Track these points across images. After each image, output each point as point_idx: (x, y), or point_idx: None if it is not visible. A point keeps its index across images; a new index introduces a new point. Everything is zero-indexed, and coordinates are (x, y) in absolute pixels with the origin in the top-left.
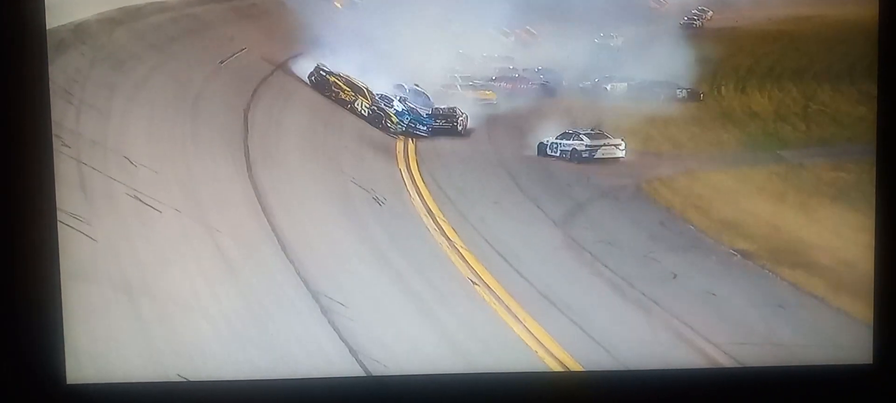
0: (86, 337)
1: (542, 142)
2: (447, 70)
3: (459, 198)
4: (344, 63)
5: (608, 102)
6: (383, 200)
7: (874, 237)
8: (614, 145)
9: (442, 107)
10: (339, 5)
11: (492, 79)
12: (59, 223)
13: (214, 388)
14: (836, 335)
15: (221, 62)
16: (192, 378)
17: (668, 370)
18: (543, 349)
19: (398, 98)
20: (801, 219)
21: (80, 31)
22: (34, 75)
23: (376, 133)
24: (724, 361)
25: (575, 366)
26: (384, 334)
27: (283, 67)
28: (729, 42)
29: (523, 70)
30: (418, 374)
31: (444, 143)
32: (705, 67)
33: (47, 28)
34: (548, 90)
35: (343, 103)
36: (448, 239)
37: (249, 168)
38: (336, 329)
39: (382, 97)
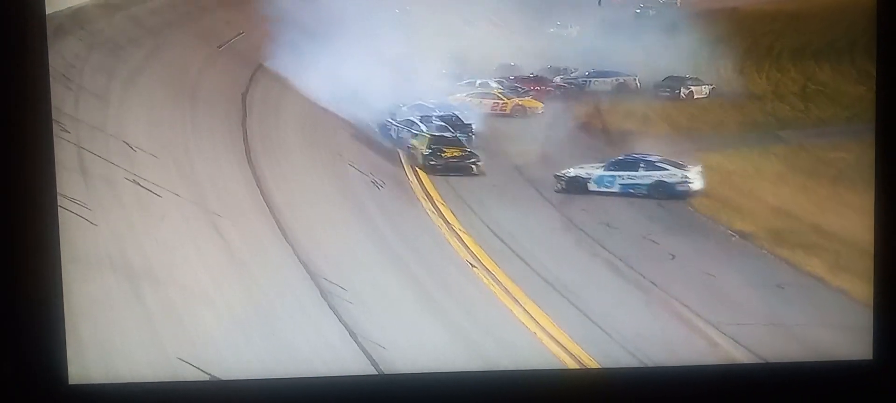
0: (87, 330)
1: (577, 176)
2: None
3: (457, 181)
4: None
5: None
6: (382, 184)
7: (874, 217)
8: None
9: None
10: None
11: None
12: (59, 208)
13: (215, 388)
14: (835, 315)
15: (219, 46)
16: (193, 363)
17: (668, 367)
18: (542, 330)
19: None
20: (801, 200)
21: (78, 17)
22: (33, 61)
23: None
24: (722, 342)
25: (573, 347)
26: (383, 316)
27: (280, 52)
28: (728, 22)
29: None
30: (420, 367)
31: None
32: (704, 49)
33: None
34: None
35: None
36: (447, 221)
37: (248, 152)
38: (335, 311)
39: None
